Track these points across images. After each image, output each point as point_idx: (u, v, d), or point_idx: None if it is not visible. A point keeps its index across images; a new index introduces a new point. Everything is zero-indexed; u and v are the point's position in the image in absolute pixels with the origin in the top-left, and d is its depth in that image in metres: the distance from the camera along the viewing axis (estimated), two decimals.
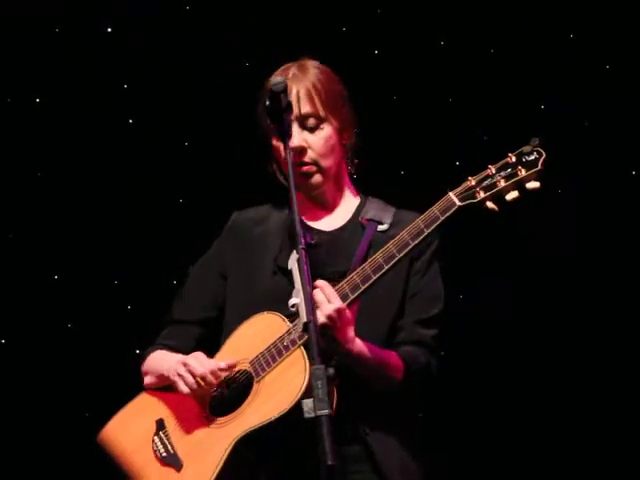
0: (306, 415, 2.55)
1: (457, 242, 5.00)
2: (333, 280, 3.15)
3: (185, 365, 3.18)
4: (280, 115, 2.94)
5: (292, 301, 2.85)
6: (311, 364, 2.63)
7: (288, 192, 2.89)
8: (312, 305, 2.67)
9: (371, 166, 3.46)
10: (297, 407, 2.91)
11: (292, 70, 3.31)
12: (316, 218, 3.39)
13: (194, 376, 3.16)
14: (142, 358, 3.42)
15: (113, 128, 4.84)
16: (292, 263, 2.87)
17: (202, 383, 3.15)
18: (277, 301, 3.18)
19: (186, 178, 4.87)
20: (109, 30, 4.90)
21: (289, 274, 3.07)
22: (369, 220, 3.34)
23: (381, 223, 3.33)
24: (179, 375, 3.19)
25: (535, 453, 4.98)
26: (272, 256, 3.31)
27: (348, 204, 3.41)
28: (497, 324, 4.99)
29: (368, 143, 3.48)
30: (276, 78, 2.90)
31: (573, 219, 5.02)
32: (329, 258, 3.28)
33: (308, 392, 2.93)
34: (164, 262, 4.68)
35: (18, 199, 4.78)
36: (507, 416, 4.96)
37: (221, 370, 3.17)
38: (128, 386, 3.40)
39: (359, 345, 3.08)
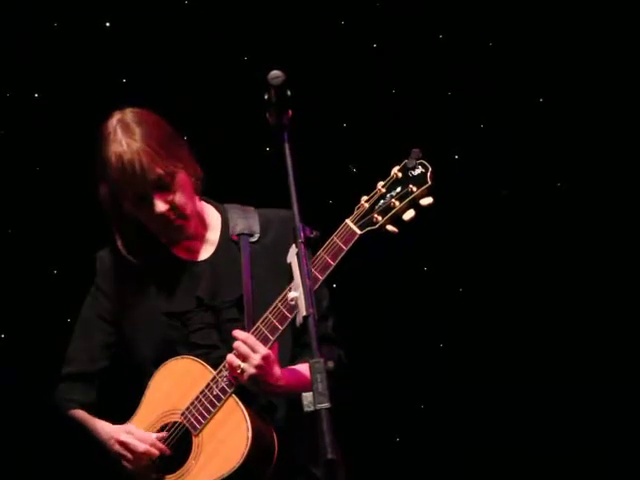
0: (306, 409, 2.55)
1: (456, 238, 5.03)
2: (229, 309, 3.24)
3: (122, 444, 3.18)
4: (281, 108, 2.92)
5: (291, 295, 2.84)
6: (313, 358, 2.60)
7: (287, 187, 2.87)
8: (312, 298, 2.67)
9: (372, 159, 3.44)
10: (248, 457, 3.05)
11: (122, 138, 3.23)
12: (188, 251, 3.40)
13: (134, 453, 3.16)
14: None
15: None
16: (291, 257, 2.86)
17: (145, 458, 3.16)
18: (180, 344, 3.26)
19: None
20: (107, 25, 4.90)
21: (181, 317, 3.23)
22: (240, 235, 3.36)
23: (251, 234, 3.36)
24: (116, 453, 3.19)
25: (535, 447, 5.00)
26: (153, 295, 3.33)
27: (212, 224, 3.42)
28: (497, 318, 5.01)
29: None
30: (273, 71, 2.88)
31: (573, 216, 5.04)
32: (216, 287, 3.31)
33: (254, 441, 3.05)
34: None
35: (17, 194, 4.77)
36: (506, 409, 4.97)
37: (160, 439, 3.18)
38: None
39: (286, 378, 3.14)
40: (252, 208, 3.45)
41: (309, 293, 2.69)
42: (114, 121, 3.29)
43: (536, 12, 5.01)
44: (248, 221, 3.39)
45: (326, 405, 2.52)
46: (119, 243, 3.40)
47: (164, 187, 3.25)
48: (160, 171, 3.22)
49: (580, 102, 5.02)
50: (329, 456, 2.48)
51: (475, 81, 5.05)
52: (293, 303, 2.83)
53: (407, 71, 5.02)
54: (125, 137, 3.23)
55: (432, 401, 5.03)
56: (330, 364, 2.64)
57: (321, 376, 2.55)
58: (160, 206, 3.25)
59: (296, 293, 2.75)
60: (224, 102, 4.82)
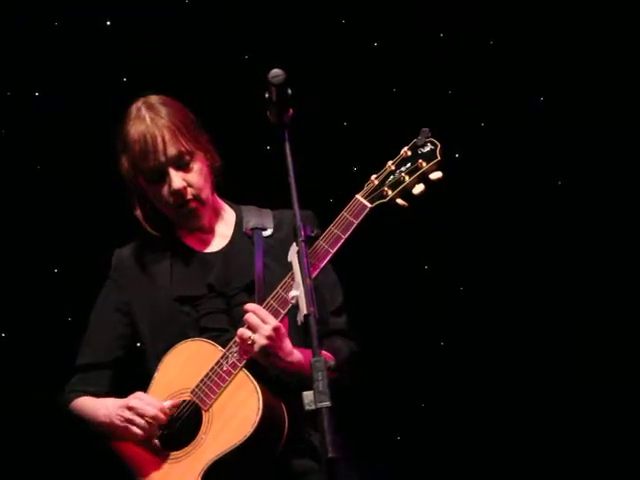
0: (306, 407, 2.55)
1: (457, 237, 5.03)
2: (240, 294, 3.25)
3: (131, 408, 3.18)
4: (282, 107, 2.92)
5: (292, 293, 2.85)
6: (314, 356, 2.61)
7: (288, 186, 2.87)
8: (312, 297, 2.67)
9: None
10: (259, 428, 3.02)
11: (146, 114, 3.31)
12: (201, 242, 3.44)
13: (143, 417, 3.15)
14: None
15: (113, 122, 4.83)
16: (292, 256, 2.86)
17: (154, 423, 3.15)
18: (190, 328, 3.26)
19: None
20: (108, 23, 4.90)
21: (191, 301, 3.24)
22: (253, 229, 3.40)
23: (265, 229, 3.40)
24: (127, 420, 3.18)
25: (536, 448, 4.99)
26: (165, 284, 3.34)
27: (226, 219, 3.47)
28: (498, 316, 5.01)
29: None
30: (274, 70, 2.88)
31: (573, 215, 5.04)
32: (228, 275, 3.33)
33: (264, 412, 3.03)
34: None
35: (18, 192, 4.77)
36: (505, 410, 4.97)
37: (169, 407, 3.18)
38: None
39: (297, 355, 3.14)
40: (269, 210, 3.49)
41: (310, 292, 2.69)
42: (139, 103, 3.37)
43: (536, 11, 5.01)
44: (262, 218, 3.44)
45: (327, 404, 2.52)
46: (138, 212, 3.43)
47: (182, 165, 3.31)
48: (181, 147, 3.29)
49: (581, 101, 5.02)
50: (330, 455, 2.48)
51: (475, 80, 5.05)
52: (294, 302, 2.84)
53: (408, 70, 5.02)
54: (150, 114, 3.31)
55: (433, 400, 5.03)
56: (330, 362, 2.65)
57: (322, 374, 2.55)
58: (177, 181, 3.29)
59: (297, 292, 2.76)
60: (224, 101, 4.82)
